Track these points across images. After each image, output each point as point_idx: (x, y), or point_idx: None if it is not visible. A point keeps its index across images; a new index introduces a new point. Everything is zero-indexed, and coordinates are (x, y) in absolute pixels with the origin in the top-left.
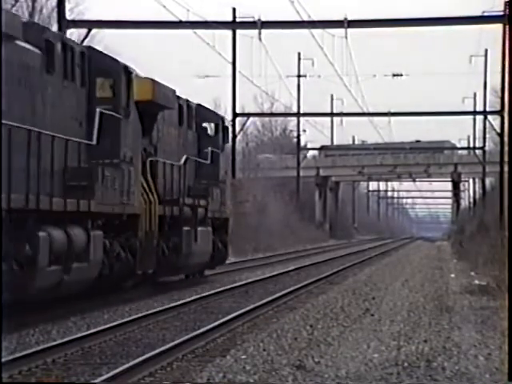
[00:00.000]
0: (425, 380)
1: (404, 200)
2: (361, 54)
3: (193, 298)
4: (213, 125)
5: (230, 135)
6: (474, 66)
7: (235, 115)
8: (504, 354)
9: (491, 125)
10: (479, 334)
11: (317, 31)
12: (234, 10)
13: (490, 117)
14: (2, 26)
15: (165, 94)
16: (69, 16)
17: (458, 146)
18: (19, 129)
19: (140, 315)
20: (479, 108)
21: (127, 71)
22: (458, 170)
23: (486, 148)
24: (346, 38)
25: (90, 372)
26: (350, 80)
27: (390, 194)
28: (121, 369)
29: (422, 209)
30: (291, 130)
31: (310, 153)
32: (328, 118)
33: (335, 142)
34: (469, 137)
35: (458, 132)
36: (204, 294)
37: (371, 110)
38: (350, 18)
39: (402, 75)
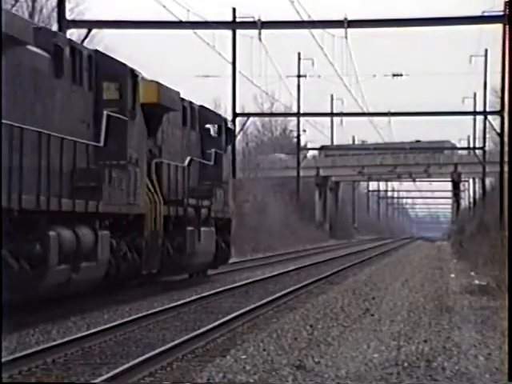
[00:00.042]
0: (425, 380)
1: (404, 200)
2: (361, 54)
3: (193, 298)
4: (216, 126)
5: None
6: (474, 65)
7: (235, 115)
8: (504, 354)
9: (491, 125)
10: (479, 334)
11: (317, 31)
12: (234, 10)
13: (489, 117)
14: (12, 30)
15: (169, 96)
16: (69, 16)
17: (458, 146)
18: (30, 131)
19: (140, 315)
20: (479, 108)
21: (133, 74)
22: (458, 169)
23: (486, 148)
24: (346, 38)
25: (89, 372)
26: (350, 80)
27: (390, 193)
28: (121, 369)
29: (421, 209)
30: (291, 130)
31: (310, 153)
32: (328, 118)
33: (335, 142)
34: (469, 137)
35: (458, 132)
36: (204, 294)
37: (371, 110)
38: (350, 18)
39: (402, 75)
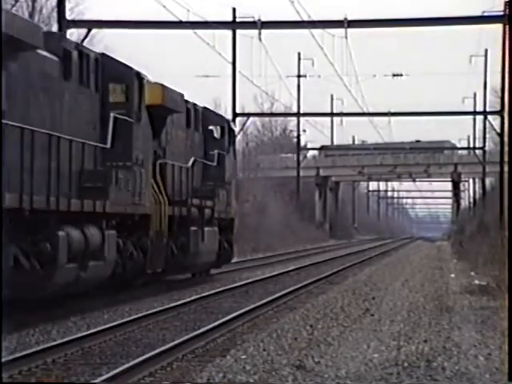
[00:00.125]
0: (425, 380)
1: (404, 200)
2: (361, 53)
3: (193, 298)
4: (219, 127)
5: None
6: (474, 65)
7: (235, 115)
8: (504, 354)
9: (491, 125)
10: (479, 334)
11: (317, 31)
12: (234, 10)
13: (489, 117)
14: (23, 35)
15: (174, 98)
16: (69, 16)
17: (458, 146)
18: (40, 133)
19: (140, 315)
20: (479, 108)
21: (139, 77)
22: (458, 169)
23: (486, 148)
24: (346, 38)
25: (90, 372)
26: (350, 80)
27: (390, 193)
28: (121, 369)
29: (421, 209)
30: (291, 130)
31: (310, 153)
32: (328, 118)
33: (335, 142)
34: (469, 137)
35: (458, 132)
36: (204, 294)
37: (371, 110)
38: (350, 18)
39: (402, 75)
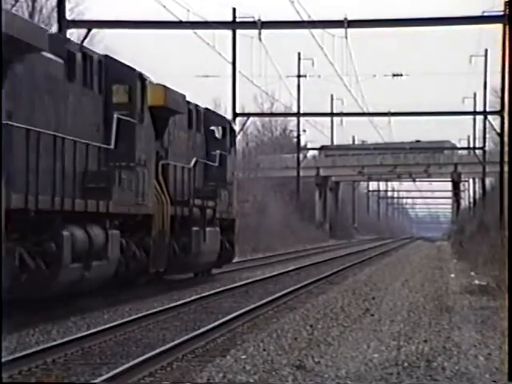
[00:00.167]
0: (425, 380)
1: (404, 200)
2: (361, 53)
3: (193, 298)
4: (220, 128)
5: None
6: (474, 66)
7: (235, 115)
8: (504, 354)
9: (491, 125)
10: (479, 334)
11: (317, 31)
12: (234, 10)
13: (489, 117)
14: (30, 38)
15: (176, 99)
16: (69, 16)
17: (458, 146)
18: (46, 134)
19: (140, 315)
20: (479, 108)
21: (142, 78)
22: (458, 169)
23: (486, 148)
24: (346, 38)
25: (90, 372)
26: (350, 80)
27: (390, 193)
28: (121, 369)
29: (421, 209)
30: (291, 130)
31: (310, 153)
32: (328, 118)
33: (335, 142)
34: (469, 137)
35: (458, 132)
36: (204, 294)
37: (371, 110)
38: (350, 18)
39: (402, 75)
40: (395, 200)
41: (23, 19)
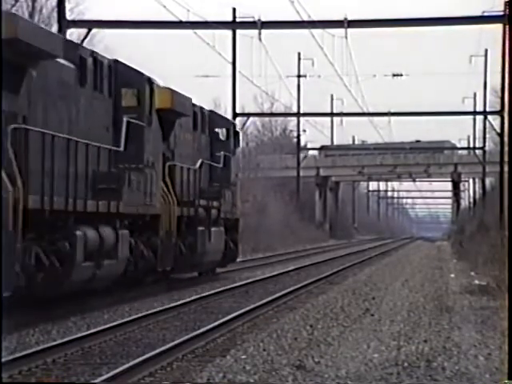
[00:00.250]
0: (425, 380)
1: (404, 200)
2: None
3: (193, 298)
4: (224, 130)
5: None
6: (474, 66)
7: (235, 115)
8: (504, 354)
9: (491, 125)
10: (479, 334)
11: (317, 31)
12: (234, 10)
13: (489, 117)
14: (45, 45)
15: (182, 102)
16: (69, 16)
17: (458, 146)
18: (60, 138)
19: (140, 315)
20: (479, 108)
21: (150, 82)
22: (458, 169)
23: (486, 148)
24: (346, 38)
25: (90, 372)
26: (350, 80)
27: (390, 194)
28: (121, 369)
29: (421, 209)
30: (291, 130)
31: (310, 153)
32: (328, 118)
33: (335, 142)
34: (469, 137)
35: (458, 132)
36: (204, 294)
37: (371, 110)
38: (350, 18)
39: (402, 75)
40: (395, 200)
41: (39, 27)
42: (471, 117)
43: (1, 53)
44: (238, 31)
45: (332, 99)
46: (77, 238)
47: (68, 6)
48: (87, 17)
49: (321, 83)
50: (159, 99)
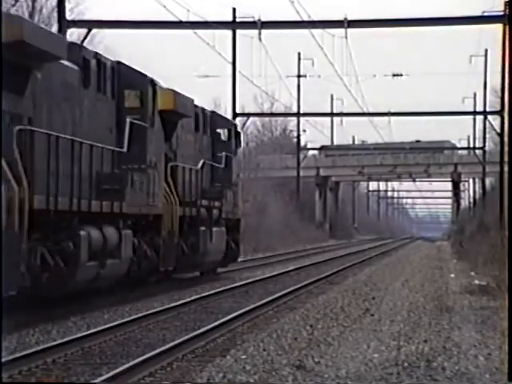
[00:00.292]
0: (425, 380)
1: (404, 200)
2: (361, 53)
3: (193, 298)
4: (226, 130)
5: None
6: (474, 66)
7: (235, 115)
8: (504, 354)
9: (491, 125)
10: (479, 334)
11: (317, 31)
12: (234, 10)
13: (489, 117)
14: (50, 47)
15: (184, 103)
16: (69, 16)
17: (458, 145)
18: (65, 139)
19: (140, 315)
20: (479, 108)
21: (153, 84)
22: (458, 169)
23: (486, 148)
24: (346, 38)
25: (90, 372)
26: (350, 80)
27: (390, 194)
28: (121, 369)
29: (421, 209)
30: (291, 130)
31: (310, 153)
32: (328, 118)
33: (335, 142)
34: (469, 137)
35: (458, 132)
36: (204, 294)
37: (371, 110)
38: (350, 18)
39: (402, 75)
40: (395, 200)
41: (44, 29)
42: (471, 117)
43: (1, 53)
44: (238, 31)
45: (332, 99)
46: (81, 238)
47: (68, 5)
48: (87, 17)
49: (321, 83)
50: (162, 100)
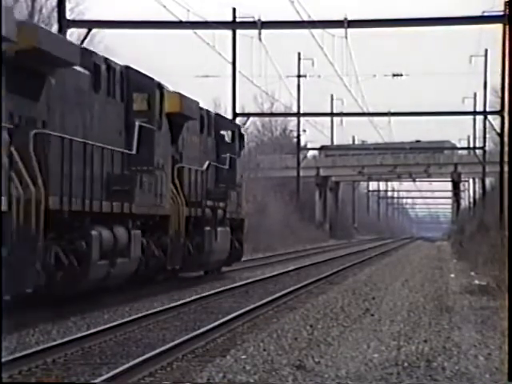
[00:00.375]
0: (425, 380)
1: (404, 200)
2: (361, 53)
3: (193, 298)
4: (230, 132)
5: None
6: (474, 66)
7: (235, 115)
8: (504, 354)
9: (491, 125)
10: (479, 334)
11: (317, 31)
12: (234, 10)
13: (489, 117)
14: (64, 54)
15: (190, 106)
16: (69, 16)
17: (458, 146)
18: (77, 142)
19: (140, 315)
20: (479, 108)
21: (160, 87)
22: (458, 169)
23: (486, 148)
24: (346, 38)
25: (90, 372)
26: (350, 80)
27: (390, 194)
28: (121, 369)
29: (421, 209)
30: (291, 130)
31: (310, 153)
32: (328, 118)
33: (335, 142)
34: (469, 137)
35: (458, 132)
36: (204, 294)
37: (371, 110)
38: (350, 18)
39: (402, 75)
40: (395, 200)
41: (58, 36)
42: (471, 117)
43: (0, 53)
44: (238, 31)
45: (332, 99)
46: (93, 238)
47: (68, 5)
48: (87, 17)
49: (321, 83)
50: (169, 103)
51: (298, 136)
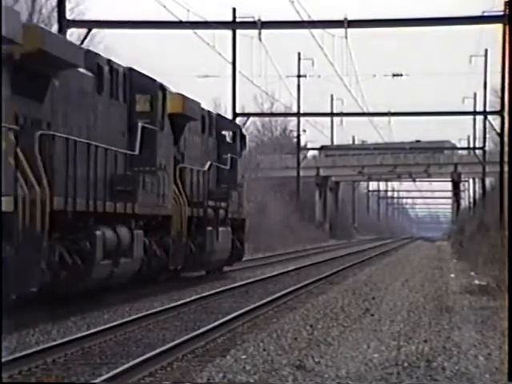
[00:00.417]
0: (425, 380)
1: (404, 200)
2: (361, 53)
3: (193, 298)
4: (231, 133)
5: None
6: (474, 66)
7: (235, 115)
8: (504, 354)
9: (491, 125)
10: (479, 334)
11: (317, 31)
12: (234, 10)
13: (489, 117)
14: (68, 56)
15: (192, 107)
16: (69, 16)
17: (458, 146)
18: (81, 143)
19: (140, 315)
20: (479, 108)
21: (162, 88)
22: (458, 169)
23: (486, 148)
24: (346, 38)
25: (90, 372)
26: (350, 80)
27: (390, 193)
28: (121, 369)
29: (421, 209)
30: (291, 130)
31: (310, 153)
32: (328, 118)
33: (335, 142)
34: (469, 137)
35: (458, 132)
36: (204, 294)
37: (371, 110)
38: (350, 18)
39: (402, 75)
40: (395, 200)
41: (62, 38)
42: (471, 117)
43: (0, 53)
44: (238, 31)
45: (332, 99)
46: (97, 238)
47: (68, 6)
48: (87, 17)
49: (321, 83)
50: (171, 104)
51: (298, 136)
